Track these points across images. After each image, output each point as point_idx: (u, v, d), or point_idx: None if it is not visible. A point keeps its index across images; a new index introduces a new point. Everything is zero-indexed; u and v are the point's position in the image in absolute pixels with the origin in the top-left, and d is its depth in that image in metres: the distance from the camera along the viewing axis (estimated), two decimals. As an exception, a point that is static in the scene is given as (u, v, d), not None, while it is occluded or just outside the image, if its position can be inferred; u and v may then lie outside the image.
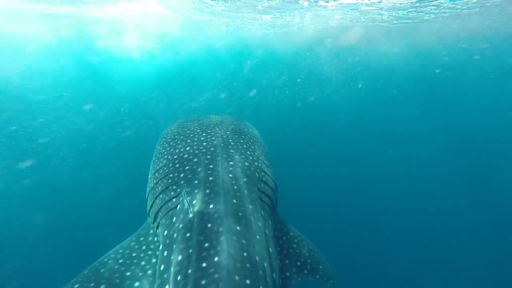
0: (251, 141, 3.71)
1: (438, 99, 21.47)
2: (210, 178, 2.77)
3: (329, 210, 7.73)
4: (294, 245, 3.05)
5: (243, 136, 3.73)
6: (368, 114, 17.36)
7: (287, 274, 2.78)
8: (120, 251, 2.75)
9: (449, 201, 8.46)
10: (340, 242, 6.54)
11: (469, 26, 15.65)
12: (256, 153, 3.46)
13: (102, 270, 2.57)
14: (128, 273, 2.54)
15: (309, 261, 2.97)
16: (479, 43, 22.42)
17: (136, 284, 2.47)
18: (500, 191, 8.67)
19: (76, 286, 2.46)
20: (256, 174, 3.08)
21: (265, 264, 2.28)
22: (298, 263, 2.92)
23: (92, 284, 2.46)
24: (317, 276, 2.90)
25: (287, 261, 2.88)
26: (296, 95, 19.31)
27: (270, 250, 2.48)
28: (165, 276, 2.25)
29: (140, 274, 2.54)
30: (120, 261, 2.65)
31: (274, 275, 2.35)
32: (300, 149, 11.37)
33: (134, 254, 2.70)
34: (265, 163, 3.41)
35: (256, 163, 3.25)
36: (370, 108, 18.85)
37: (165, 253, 2.40)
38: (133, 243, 2.81)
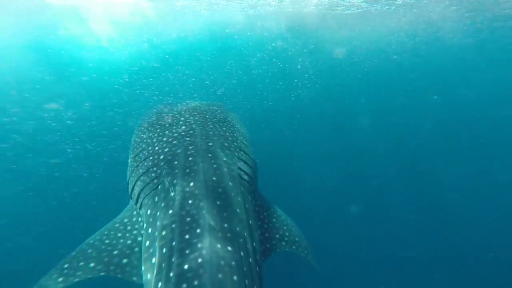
0: (230, 124, 3.89)
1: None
2: (190, 159, 2.90)
3: (325, 211, 7.75)
4: (274, 220, 3.28)
5: (222, 120, 3.89)
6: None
7: (267, 245, 3.00)
8: (105, 232, 2.84)
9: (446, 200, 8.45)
10: (339, 240, 6.60)
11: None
12: (235, 134, 3.63)
13: (90, 251, 2.67)
14: (115, 252, 2.65)
15: (286, 233, 3.21)
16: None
17: (124, 260, 2.59)
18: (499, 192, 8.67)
19: (66, 265, 2.56)
20: (236, 154, 3.25)
21: (245, 234, 2.46)
22: (277, 236, 3.15)
23: (81, 263, 2.56)
24: (293, 247, 3.15)
25: (267, 234, 3.10)
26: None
27: (250, 222, 2.67)
28: (151, 250, 2.39)
29: (128, 251, 2.65)
30: (106, 241, 2.74)
31: (254, 244, 2.55)
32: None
33: (119, 235, 2.80)
34: (244, 143, 3.59)
35: (235, 143, 3.42)
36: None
37: (150, 230, 2.53)
38: (117, 225, 2.90)
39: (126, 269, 2.55)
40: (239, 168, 3.09)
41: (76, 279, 2.48)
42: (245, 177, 3.09)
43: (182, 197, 2.52)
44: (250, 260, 2.35)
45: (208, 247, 2.15)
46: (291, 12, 15.31)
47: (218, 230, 2.29)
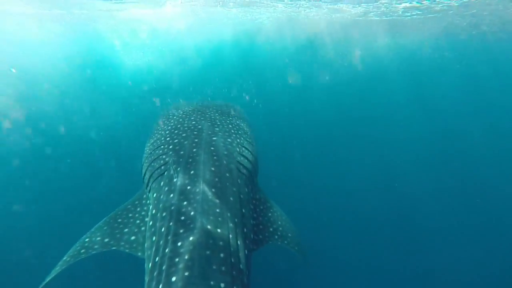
0: (237, 122, 4.23)
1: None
2: (194, 150, 3.25)
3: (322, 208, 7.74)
4: (269, 214, 3.48)
5: (230, 118, 4.25)
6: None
7: (260, 236, 3.20)
8: (119, 212, 3.25)
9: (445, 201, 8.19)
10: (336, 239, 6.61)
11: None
12: (239, 132, 3.95)
13: (105, 228, 3.08)
14: (126, 230, 3.03)
15: (280, 228, 3.39)
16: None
17: (132, 237, 2.95)
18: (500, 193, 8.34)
19: (87, 239, 2.99)
20: (237, 149, 3.55)
21: (236, 220, 2.72)
22: (271, 229, 3.34)
23: (98, 238, 2.97)
24: (285, 242, 3.30)
25: (261, 226, 3.30)
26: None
27: (243, 211, 2.93)
28: (153, 229, 2.73)
29: (135, 230, 3.01)
30: (119, 220, 3.14)
31: (245, 230, 2.81)
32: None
33: (130, 215, 3.18)
34: (247, 141, 3.89)
35: (238, 140, 3.73)
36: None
37: (154, 211, 2.88)
38: (129, 206, 3.30)
39: (133, 245, 2.89)
40: (239, 162, 3.37)
41: (94, 252, 2.88)
42: (244, 171, 3.36)
43: (182, 183, 2.84)
44: (239, 242, 2.59)
45: (199, 227, 2.44)
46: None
47: (210, 214, 2.57)
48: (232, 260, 2.39)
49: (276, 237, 3.28)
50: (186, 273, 2.16)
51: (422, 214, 7.47)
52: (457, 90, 20.02)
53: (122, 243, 2.91)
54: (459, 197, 8.15)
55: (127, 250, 2.87)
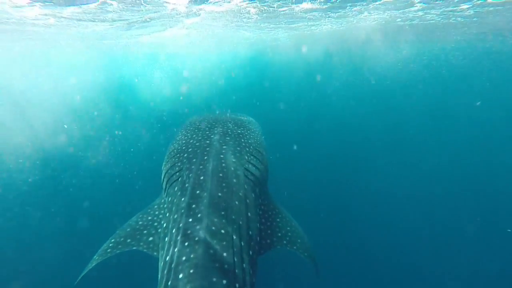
0: (248, 132, 4.49)
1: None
2: (205, 158, 3.54)
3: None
4: (278, 220, 3.61)
5: (242, 128, 4.54)
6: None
7: (268, 241, 3.34)
8: (140, 216, 3.59)
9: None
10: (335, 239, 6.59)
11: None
12: (250, 141, 4.20)
13: (128, 230, 3.43)
14: (145, 231, 3.35)
15: (289, 234, 3.47)
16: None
17: (150, 238, 3.25)
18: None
19: (113, 240, 3.35)
20: (246, 157, 3.79)
21: (241, 222, 2.91)
22: (279, 234, 3.45)
23: (121, 239, 3.31)
24: (294, 247, 3.37)
25: (269, 231, 3.43)
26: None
27: (249, 214, 3.12)
28: (166, 231, 3.01)
29: (153, 232, 3.32)
30: (140, 222, 3.48)
31: (250, 232, 2.99)
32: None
33: (149, 218, 3.51)
34: (257, 149, 4.12)
35: (247, 148, 3.97)
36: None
37: (168, 214, 3.18)
38: (149, 210, 3.63)
39: (150, 246, 3.18)
40: (246, 169, 3.59)
41: (118, 251, 3.22)
42: (251, 177, 3.58)
43: (192, 188, 3.11)
44: (242, 243, 2.77)
45: (204, 228, 2.66)
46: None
47: (215, 217, 2.79)
48: (235, 259, 2.56)
49: (285, 242, 3.37)
50: (191, 271, 2.36)
51: (448, 218, 7.32)
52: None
53: (141, 243, 3.21)
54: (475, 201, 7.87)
55: (145, 250, 3.16)
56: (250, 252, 2.83)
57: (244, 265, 2.63)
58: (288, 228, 3.54)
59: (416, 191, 8.22)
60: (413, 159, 10.16)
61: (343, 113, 15.60)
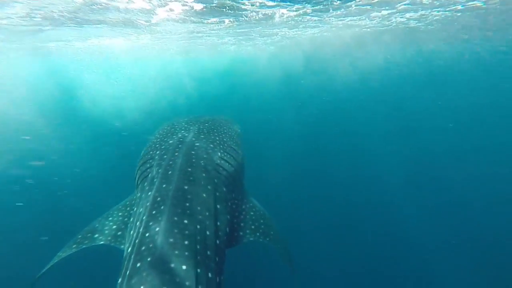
0: (224, 131, 4.58)
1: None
2: (176, 154, 3.60)
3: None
4: (252, 213, 3.70)
5: (218, 127, 4.62)
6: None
7: (241, 233, 3.41)
8: (111, 212, 3.61)
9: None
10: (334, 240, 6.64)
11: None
12: (224, 139, 4.30)
13: (97, 225, 3.44)
14: (114, 226, 3.37)
15: (262, 226, 3.56)
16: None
17: (119, 233, 3.27)
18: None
19: (79, 236, 3.34)
20: (219, 154, 3.87)
21: (207, 214, 2.96)
22: (252, 227, 3.53)
23: (89, 234, 3.32)
24: (267, 239, 3.45)
25: (242, 224, 3.51)
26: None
27: (218, 206, 3.18)
28: (132, 224, 3.06)
29: (123, 226, 3.33)
30: (109, 218, 3.50)
31: (219, 223, 3.05)
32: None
33: (120, 214, 3.53)
34: (232, 147, 4.21)
35: (221, 146, 4.06)
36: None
37: (135, 209, 3.22)
38: (120, 206, 3.65)
39: (119, 239, 3.20)
40: (218, 165, 3.67)
41: (84, 246, 3.22)
42: (224, 172, 3.66)
43: (160, 182, 3.16)
44: (208, 232, 2.81)
45: (165, 219, 2.69)
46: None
47: (179, 207, 2.83)
48: (198, 247, 2.59)
49: (258, 234, 3.46)
50: (149, 259, 2.39)
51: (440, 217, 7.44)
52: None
53: (109, 238, 3.23)
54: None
55: (112, 244, 3.17)
56: (217, 242, 2.87)
57: (208, 252, 2.66)
58: (262, 221, 3.64)
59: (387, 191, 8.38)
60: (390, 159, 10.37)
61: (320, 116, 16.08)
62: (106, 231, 3.31)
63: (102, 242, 3.20)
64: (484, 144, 11.76)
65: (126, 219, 3.40)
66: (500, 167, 9.54)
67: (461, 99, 19.45)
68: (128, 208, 3.54)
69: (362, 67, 33.81)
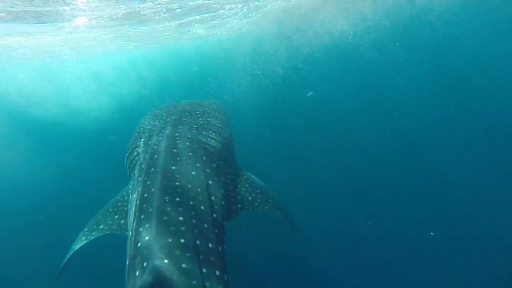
0: (207, 112, 4.65)
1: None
2: (159, 138, 3.68)
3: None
4: (247, 185, 3.78)
5: (201, 109, 4.70)
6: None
7: (239, 205, 3.49)
8: (110, 204, 3.72)
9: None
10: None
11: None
12: (208, 120, 4.37)
13: (100, 217, 3.56)
14: (116, 216, 3.48)
15: (260, 196, 3.65)
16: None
17: (122, 221, 3.37)
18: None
19: (86, 229, 3.47)
20: (204, 132, 3.95)
21: (200, 190, 3.05)
22: (250, 198, 3.61)
23: (94, 226, 3.45)
24: (266, 207, 3.54)
25: (239, 197, 3.59)
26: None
27: (210, 182, 3.26)
28: (129, 212, 3.16)
29: (124, 215, 3.43)
30: (110, 209, 3.61)
31: (213, 198, 3.12)
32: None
33: (119, 204, 3.63)
34: (217, 126, 4.29)
35: (206, 126, 4.13)
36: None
37: (130, 196, 3.32)
38: (119, 197, 3.75)
39: (123, 227, 3.30)
40: (204, 143, 3.75)
41: (92, 237, 3.35)
42: (212, 149, 3.74)
43: (147, 166, 3.25)
44: (202, 207, 2.89)
45: (157, 199, 2.77)
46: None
47: (169, 187, 2.91)
48: (194, 221, 2.67)
49: (256, 204, 3.54)
50: (147, 238, 2.47)
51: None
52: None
53: (114, 227, 3.34)
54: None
55: (117, 232, 3.28)
56: (214, 215, 2.94)
57: (205, 225, 2.74)
58: (258, 191, 3.72)
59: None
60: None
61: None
62: (110, 221, 3.43)
63: (108, 232, 3.32)
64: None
65: (126, 208, 3.49)
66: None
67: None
68: (125, 198, 3.64)
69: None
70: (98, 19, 9.59)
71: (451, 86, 14.48)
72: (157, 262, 2.24)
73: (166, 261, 2.27)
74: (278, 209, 3.59)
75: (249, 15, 14.57)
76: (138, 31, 13.49)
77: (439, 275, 5.85)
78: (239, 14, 13.87)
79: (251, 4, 12.25)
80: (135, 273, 2.30)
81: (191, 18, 12.56)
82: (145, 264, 2.29)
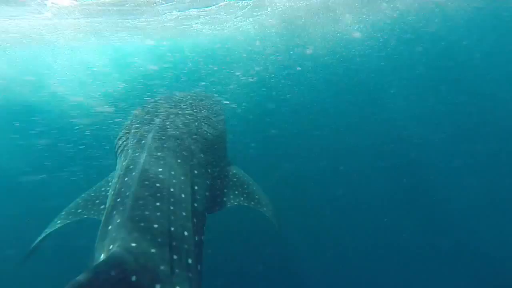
0: (202, 103, 4.63)
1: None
2: (150, 126, 3.65)
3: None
4: (234, 179, 3.74)
5: (195, 100, 4.68)
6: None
7: (224, 198, 3.45)
8: (94, 188, 3.61)
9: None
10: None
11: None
12: (202, 110, 4.35)
13: (80, 201, 3.46)
14: (97, 201, 3.38)
15: (246, 191, 3.61)
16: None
17: (102, 206, 3.26)
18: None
19: (63, 213, 3.36)
20: (196, 124, 3.91)
21: (183, 178, 2.97)
22: (236, 192, 3.57)
23: (72, 210, 3.35)
24: (252, 203, 3.50)
25: (225, 190, 3.55)
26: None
27: (196, 172, 3.21)
28: (109, 195, 3.06)
29: (105, 200, 3.31)
30: (92, 194, 3.50)
31: (196, 187, 3.05)
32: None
33: (102, 189, 3.53)
34: (210, 118, 4.26)
35: (199, 116, 4.11)
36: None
37: (113, 180, 3.22)
38: (103, 182, 3.65)
39: (102, 212, 3.18)
40: (195, 133, 3.71)
41: (68, 221, 3.26)
42: (201, 140, 3.71)
43: (133, 151, 3.21)
44: (183, 195, 2.80)
45: (136, 183, 2.67)
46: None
47: (151, 172, 2.84)
48: (171, 208, 2.57)
49: (242, 198, 3.51)
50: (118, 220, 2.35)
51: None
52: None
53: (92, 212, 3.25)
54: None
55: (95, 216, 3.18)
56: (195, 204, 2.87)
57: (183, 213, 2.65)
58: (245, 186, 3.68)
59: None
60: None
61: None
62: (89, 206, 3.32)
63: (85, 216, 3.22)
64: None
65: (107, 194, 3.39)
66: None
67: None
68: (109, 184, 3.53)
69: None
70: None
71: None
72: (122, 245, 2.12)
73: (133, 244, 2.14)
74: (264, 206, 3.54)
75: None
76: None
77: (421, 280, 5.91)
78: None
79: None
80: (100, 255, 2.19)
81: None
82: (111, 247, 2.17)
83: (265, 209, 3.52)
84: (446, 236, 6.49)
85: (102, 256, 2.14)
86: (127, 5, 9.50)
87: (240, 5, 11.29)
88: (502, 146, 9.27)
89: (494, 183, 7.80)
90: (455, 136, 10.60)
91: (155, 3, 9.54)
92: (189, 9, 11.18)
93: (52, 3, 8.42)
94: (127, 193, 2.60)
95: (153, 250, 2.17)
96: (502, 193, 7.46)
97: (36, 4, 8.32)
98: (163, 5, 9.88)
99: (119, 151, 3.67)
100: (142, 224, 2.33)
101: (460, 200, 7.43)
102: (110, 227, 2.37)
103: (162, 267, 2.11)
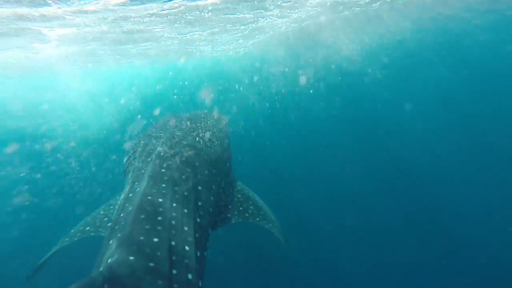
0: (209, 122, 4.78)
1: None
2: (156, 142, 3.79)
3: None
4: (239, 195, 3.79)
5: (203, 119, 4.82)
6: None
7: (228, 215, 3.49)
8: (103, 207, 3.70)
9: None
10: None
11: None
12: (208, 129, 4.47)
13: (89, 220, 3.55)
14: (105, 219, 3.44)
15: (251, 207, 3.65)
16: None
17: (109, 224, 3.26)
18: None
19: (72, 231, 3.47)
20: (201, 141, 4.01)
21: (186, 193, 3.00)
22: (241, 208, 3.61)
23: (81, 228, 3.45)
24: (257, 219, 3.52)
25: (230, 206, 3.60)
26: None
27: (199, 188, 3.25)
28: (114, 211, 3.16)
29: (113, 218, 3.38)
30: (101, 212, 3.59)
31: (200, 203, 3.08)
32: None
33: (111, 207, 3.61)
34: (216, 135, 4.39)
35: (202, 134, 4.20)
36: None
37: (120, 197, 3.32)
38: (112, 201, 3.74)
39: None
40: (200, 149, 3.80)
41: (76, 238, 3.36)
42: (205, 157, 3.78)
43: (138, 169, 3.34)
44: (186, 210, 2.83)
45: (138, 199, 2.73)
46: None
47: (154, 188, 2.89)
48: (173, 222, 2.60)
49: (247, 215, 3.53)
50: (119, 234, 2.40)
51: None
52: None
53: (100, 229, 3.31)
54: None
55: (103, 234, 3.21)
56: (198, 220, 2.89)
57: (185, 228, 2.66)
58: (250, 203, 3.72)
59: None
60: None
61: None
62: (97, 223, 3.40)
63: (92, 234, 3.28)
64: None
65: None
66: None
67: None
68: (118, 202, 3.57)
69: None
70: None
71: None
72: (120, 258, 2.14)
73: (131, 257, 2.16)
74: (270, 222, 3.55)
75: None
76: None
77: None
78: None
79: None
80: (99, 269, 2.20)
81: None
82: (109, 260, 2.19)
83: (270, 225, 3.52)
84: (446, 236, 6.45)
85: (100, 269, 2.16)
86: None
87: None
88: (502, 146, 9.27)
89: (494, 183, 7.76)
90: (454, 136, 10.62)
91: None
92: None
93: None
94: (130, 208, 2.67)
95: (151, 264, 2.18)
96: (502, 193, 7.38)
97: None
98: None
99: (127, 169, 3.80)
100: (141, 238, 2.35)
101: (460, 200, 7.38)
102: (111, 241, 2.42)
103: (160, 282, 2.11)
